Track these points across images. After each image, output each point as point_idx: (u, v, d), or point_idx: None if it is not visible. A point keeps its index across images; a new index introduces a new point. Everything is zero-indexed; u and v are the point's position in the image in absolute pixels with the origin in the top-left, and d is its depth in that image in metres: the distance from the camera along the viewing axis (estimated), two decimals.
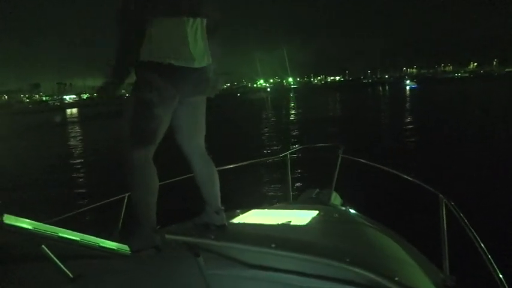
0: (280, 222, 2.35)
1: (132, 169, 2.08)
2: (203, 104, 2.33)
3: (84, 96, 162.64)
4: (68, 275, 1.39)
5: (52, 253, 1.32)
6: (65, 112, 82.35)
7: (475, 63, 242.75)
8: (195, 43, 2.14)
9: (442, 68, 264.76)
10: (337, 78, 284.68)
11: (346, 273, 1.17)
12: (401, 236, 2.40)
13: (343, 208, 2.97)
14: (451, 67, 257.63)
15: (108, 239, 1.65)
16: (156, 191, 2.12)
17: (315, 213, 2.53)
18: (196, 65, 2.13)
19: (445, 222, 2.15)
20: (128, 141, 2.09)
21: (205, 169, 2.32)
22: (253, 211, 2.74)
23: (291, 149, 3.75)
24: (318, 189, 3.37)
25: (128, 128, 2.09)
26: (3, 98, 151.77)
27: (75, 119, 57.91)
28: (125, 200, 2.81)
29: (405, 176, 2.93)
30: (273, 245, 1.19)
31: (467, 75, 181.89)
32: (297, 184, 3.42)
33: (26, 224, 1.23)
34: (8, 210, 1.19)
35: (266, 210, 2.81)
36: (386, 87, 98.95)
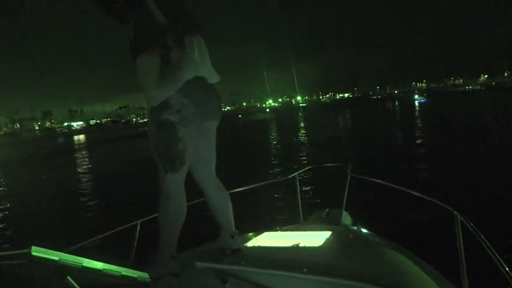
0: (296, 245, 2.37)
1: (163, 196, 2.10)
2: (215, 129, 2.36)
3: (92, 122, 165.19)
4: None
5: (77, 283, 1.34)
6: (72, 139, 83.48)
7: (486, 75, 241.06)
8: (207, 59, 2.19)
9: (452, 81, 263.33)
10: (346, 95, 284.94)
11: None
12: (416, 254, 2.40)
13: (355, 228, 3.00)
14: (461, 80, 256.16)
15: (128, 267, 1.68)
16: (182, 219, 2.14)
17: (328, 233, 2.56)
18: (213, 80, 2.20)
19: (461, 239, 2.15)
20: (160, 168, 2.11)
21: (218, 194, 2.35)
22: (266, 234, 2.77)
23: (299, 170, 3.80)
24: (327, 209, 3.39)
25: (156, 154, 2.10)
26: (15, 126, 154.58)
27: (82, 145, 58.54)
28: (138, 227, 2.86)
29: (417, 194, 2.93)
30: (305, 270, 1.18)
31: (478, 87, 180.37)
32: (307, 204, 3.44)
33: (52, 255, 1.25)
34: (34, 242, 1.22)
35: (279, 232, 2.84)
36: (396, 103, 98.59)
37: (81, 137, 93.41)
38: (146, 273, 1.74)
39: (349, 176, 3.39)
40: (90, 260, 1.41)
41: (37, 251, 1.20)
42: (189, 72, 2.05)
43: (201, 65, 2.12)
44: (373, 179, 3.47)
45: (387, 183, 3.29)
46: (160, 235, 2.10)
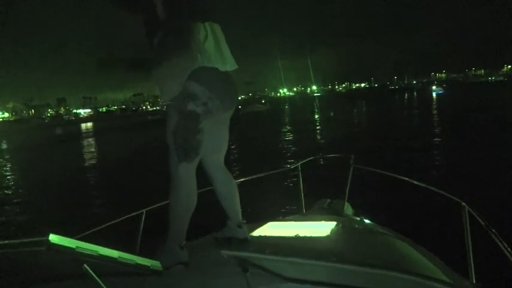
0: (302, 235, 2.43)
1: (175, 184, 2.13)
2: (229, 120, 2.39)
3: (104, 109, 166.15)
4: None
5: (93, 271, 1.37)
6: (79, 126, 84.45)
7: (510, 66, 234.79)
8: (226, 47, 2.22)
9: (473, 72, 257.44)
10: (362, 85, 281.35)
11: (387, 281, 1.16)
12: (420, 245, 2.44)
13: (358, 218, 3.05)
14: (482, 71, 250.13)
15: (142, 256, 1.71)
16: (192, 209, 2.17)
17: (333, 224, 2.62)
18: (229, 68, 2.21)
19: (468, 230, 2.18)
20: (174, 157, 2.13)
21: (226, 184, 2.39)
22: (271, 223, 2.84)
23: (302, 160, 3.84)
24: (329, 200, 3.45)
25: (173, 142, 2.12)
26: (30, 112, 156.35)
27: (89, 133, 58.95)
28: (143, 215, 2.95)
29: (422, 184, 2.95)
30: (334, 258, 1.14)
31: (501, 78, 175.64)
32: (308, 194, 3.48)
33: (69, 243, 1.28)
34: (52, 230, 1.25)
35: (283, 222, 2.91)
36: (415, 94, 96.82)
37: (89, 124, 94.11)
38: (158, 263, 1.77)
39: (351, 167, 3.43)
40: (105, 249, 1.44)
41: (55, 239, 1.23)
42: (197, 62, 2.07)
43: (215, 52, 2.13)
44: (377, 170, 3.50)
45: (391, 174, 3.31)
46: (170, 224, 2.13)
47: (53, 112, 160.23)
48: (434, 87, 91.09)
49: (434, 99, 60.91)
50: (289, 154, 18.59)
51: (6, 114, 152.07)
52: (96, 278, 1.39)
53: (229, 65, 2.23)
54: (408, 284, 1.06)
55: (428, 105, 48.05)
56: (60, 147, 38.78)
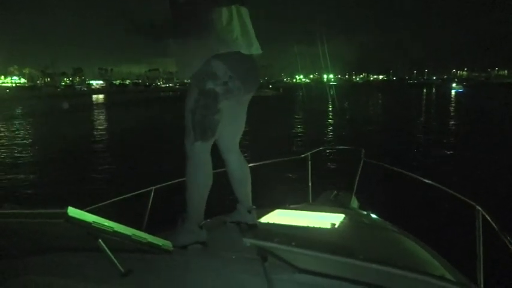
0: (311, 225, 2.47)
1: (192, 163, 2.14)
2: (248, 103, 2.39)
3: (117, 82, 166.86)
4: (120, 269, 1.49)
5: (107, 247, 1.41)
6: (91, 97, 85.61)
7: None
8: (251, 31, 2.21)
9: (496, 72, 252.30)
10: (380, 77, 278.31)
11: (395, 279, 1.16)
12: (427, 244, 2.46)
13: (365, 213, 3.08)
14: (505, 71, 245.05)
15: (154, 235, 1.75)
16: (208, 188, 2.18)
17: (341, 216, 2.65)
18: (254, 51, 2.20)
19: (481, 234, 2.18)
20: (190, 134, 2.14)
21: (240, 168, 2.40)
22: (278, 211, 2.87)
23: (312, 150, 3.88)
24: (335, 192, 3.48)
25: (190, 120, 2.13)
26: (45, 80, 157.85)
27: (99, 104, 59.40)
28: (152, 193, 2.99)
29: (436, 184, 2.94)
30: (361, 256, 1.15)
31: None
32: (314, 184, 3.51)
33: (86, 217, 1.32)
34: (71, 203, 1.29)
35: (290, 210, 2.94)
36: (433, 90, 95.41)
37: (100, 96, 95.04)
38: (169, 242, 1.81)
39: (362, 161, 3.44)
40: (120, 225, 1.49)
41: (73, 212, 1.27)
42: (221, 44, 2.06)
43: (241, 35, 2.12)
44: (387, 165, 3.50)
45: (402, 171, 3.31)
46: (188, 203, 2.15)
47: (69, 81, 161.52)
48: (454, 85, 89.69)
49: (453, 97, 59.89)
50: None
51: (23, 80, 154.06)
52: (109, 253, 1.44)
53: (254, 48, 2.22)
54: (415, 282, 1.07)
55: (446, 104, 47.26)
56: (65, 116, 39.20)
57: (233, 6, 2.12)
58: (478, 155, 14.28)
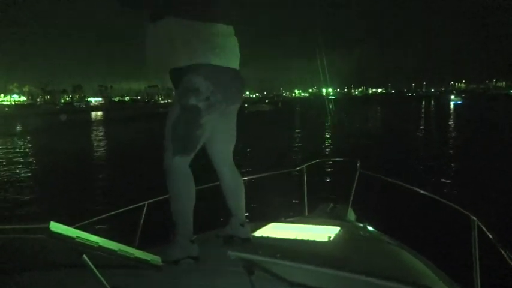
0: (306, 238, 2.44)
1: (171, 177, 2.13)
2: (236, 113, 2.39)
3: (117, 99, 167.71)
4: (106, 286, 1.46)
5: (92, 262, 1.38)
6: (89, 114, 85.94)
7: None
8: (231, 44, 2.22)
9: (494, 83, 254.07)
10: (379, 90, 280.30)
11: None
12: (423, 256, 2.44)
13: (361, 225, 3.05)
14: (504, 83, 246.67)
15: (142, 250, 1.72)
16: (193, 200, 2.17)
17: (337, 229, 2.62)
18: (233, 64, 2.20)
19: (477, 245, 2.16)
20: (170, 149, 2.13)
21: (233, 180, 2.39)
22: (273, 224, 2.84)
23: (307, 163, 3.86)
24: (331, 204, 3.45)
25: (171, 135, 2.13)
26: (45, 97, 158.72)
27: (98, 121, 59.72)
28: (145, 208, 2.95)
29: (431, 195, 2.93)
30: (343, 267, 1.12)
31: None
32: (309, 197, 3.50)
33: (70, 232, 1.28)
34: (53, 218, 1.25)
35: (285, 224, 2.91)
36: (432, 102, 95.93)
37: (99, 113, 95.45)
38: (159, 257, 1.77)
39: (357, 172, 3.42)
40: (106, 240, 1.44)
41: (55, 227, 1.23)
42: (203, 57, 2.09)
43: (223, 50, 2.14)
44: (383, 177, 3.48)
45: (398, 182, 3.29)
46: (175, 218, 2.14)
47: (68, 98, 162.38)
48: (452, 97, 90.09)
49: (452, 109, 60.14)
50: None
51: (23, 98, 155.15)
52: (94, 269, 1.40)
53: (233, 62, 2.23)
54: None
55: (446, 116, 47.43)
56: (64, 132, 39.37)
57: (221, 23, 2.16)
58: (478, 165, 14.26)
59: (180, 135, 2.11)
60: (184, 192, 2.14)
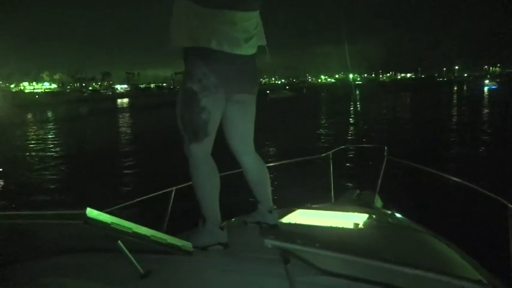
0: (333, 225, 2.44)
1: (192, 165, 2.16)
2: (253, 103, 2.37)
3: (142, 86, 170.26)
4: (140, 270, 1.51)
5: (126, 248, 1.43)
6: (115, 102, 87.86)
7: None
8: (240, 32, 2.14)
9: None
10: (408, 75, 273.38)
11: (425, 282, 1.12)
12: (454, 244, 2.40)
13: (389, 212, 3.02)
14: None
15: (174, 235, 1.76)
16: (217, 187, 2.19)
17: (364, 216, 2.61)
18: (238, 51, 2.14)
19: None
20: (185, 137, 2.17)
21: (257, 168, 2.40)
22: (300, 210, 2.85)
23: (333, 149, 3.83)
24: (358, 191, 3.43)
25: (181, 122, 2.17)
26: (76, 85, 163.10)
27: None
28: (173, 193, 3.01)
29: (465, 182, 2.87)
30: (381, 257, 1.11)
31: None
32: (337, 184, 3.48)
33: (105, 218, 1.34)
34: (89, 204, 1.31)
35: (312, 210, 2.91)
36: (465, 87, 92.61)
37: (125, 100, 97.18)
38: (190, 243, 1.81)
39: (385, 159, 3.36)
40: (139, 226, 1.49)
41: (92, 213, 1.29)
42: (212, 42, 2.07)
43: (226, 36, 2.10)
44: (412, 163, 3.40)
45: (428, 169, 3.24)
46: (201, 205, 2.17)
47: (97, 86, 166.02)
48: (487, 81, 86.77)
49: (486, 95, 57.94)
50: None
51: (54, 86, 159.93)
52: (129, 254, 1.46)
53: (243, 49, 2.17)
54: (447, 285, 1.01)
55: (480, 100, 45.72)
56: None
57: (226, 10, 2.08)
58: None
59: (188, 121, 2.14)
60: (207, 180, 2.17)
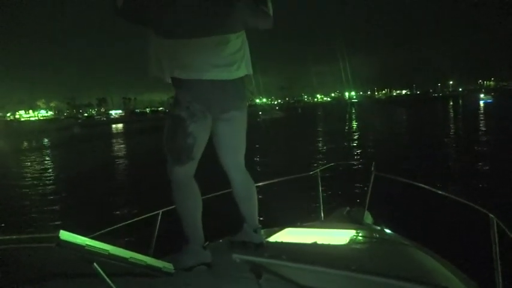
0: (320, 242, 2.44)
1: (174, 188, 2.22)
2: (242, 120, 2.40)
3: (137, 110, 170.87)
4: None
5: (103, 271, 1.38)
6: (110, 127, 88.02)
7: None
8: (217, 56, 2.20)
9: None
10: (403, 91, 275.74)
11: None
12: (442, 257, 2.42)
13: (379, 228, 3.03)
14: None
15: (154, 257, 1.75)
16: (199, 207, 2.24)
17: (352, 232, 2.62)
18: (211, 76, 2.19)
19: (497, 244, 2.14)
20: (169, 160, 2.24)
21: (245, 186, 2.43)
22: (288, 229, 2.85)
23: (321, 166, 3.86)
24: (348, 208, 3.44)
25: (166, 146, 2.24)
26: (72, 111, 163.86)
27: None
28: (159, 216, 2.98)
29: (448, 195, 2.92)
30: (353, 268, 1.10)
31: None
32: (326, 201, 3.47)
33: (79, 240, 1.30)
34: (63, 227, 1.29)
35: (301, 228, 2.91)
36: (460, 102, 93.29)
37: (119, 125, 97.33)
38: (171, 264, 1.80)
39: (373, 175, 3.38)
40: (116, 247, 1.46)
41: (65, 236, 1.26)
42: (175, 71, 2.17)
43: (201, 63, 2.16)
44: (399, 178, 3.42)
45: (414, 183, 3.27)
46: (184, 226, 2.21)
47: (94, 112, 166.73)
48: (482, 95, 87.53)
49: (482, 109, 58.35)
50: None
51: (50, 113, 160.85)
52: (105, 277, 1.40)
53: (218, 73, 2.22)
54: None
55: (476, 115, 46.01)
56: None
57: (196, 39, 2.16)
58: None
59: (173, 145, 2.21)
60: (189, 201, 2.21)
